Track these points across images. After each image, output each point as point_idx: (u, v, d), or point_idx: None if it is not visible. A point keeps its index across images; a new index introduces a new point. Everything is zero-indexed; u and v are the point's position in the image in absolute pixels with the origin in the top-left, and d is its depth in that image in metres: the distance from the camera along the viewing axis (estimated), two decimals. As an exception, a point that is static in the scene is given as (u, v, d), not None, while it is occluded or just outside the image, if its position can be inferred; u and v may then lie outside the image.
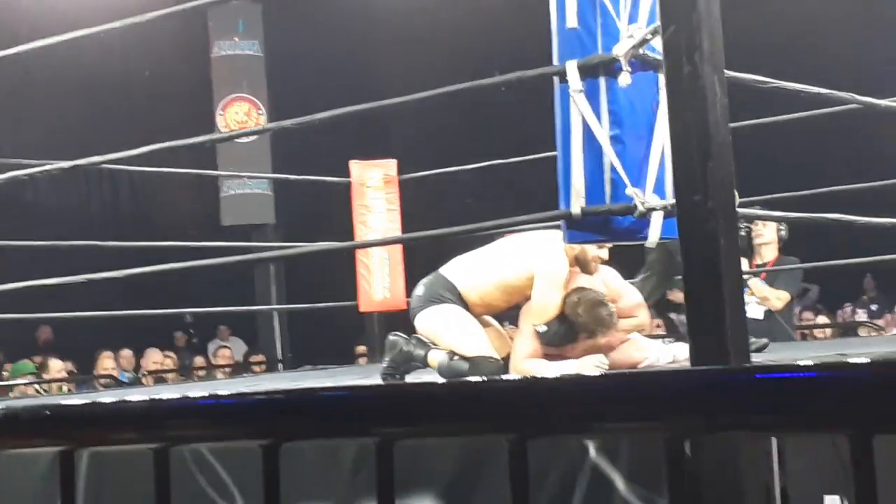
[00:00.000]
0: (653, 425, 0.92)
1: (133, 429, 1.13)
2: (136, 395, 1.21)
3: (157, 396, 1.16)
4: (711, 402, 0.88)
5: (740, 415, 0.88)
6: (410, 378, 4.61)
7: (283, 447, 1.04)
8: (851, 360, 0.84)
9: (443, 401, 0.96)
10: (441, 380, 4.16)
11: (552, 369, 4.20)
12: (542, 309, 4.25)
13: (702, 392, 0.89)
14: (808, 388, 0.83)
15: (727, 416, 0.88)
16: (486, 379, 0.97)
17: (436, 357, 4.44)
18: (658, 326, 9.57)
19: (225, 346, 11.95)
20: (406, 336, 4.62)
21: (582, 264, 4.32)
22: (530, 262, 4.33)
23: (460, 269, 4.52)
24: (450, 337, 4.42)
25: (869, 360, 0.83)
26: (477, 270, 4.47)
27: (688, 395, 0.89)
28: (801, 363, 0.85)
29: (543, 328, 4.25)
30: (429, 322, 4.48)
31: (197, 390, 1.13)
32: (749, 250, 6.56)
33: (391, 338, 4.65)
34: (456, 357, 4.37)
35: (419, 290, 4.58)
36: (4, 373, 9.91)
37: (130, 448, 1.19)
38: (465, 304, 4.48)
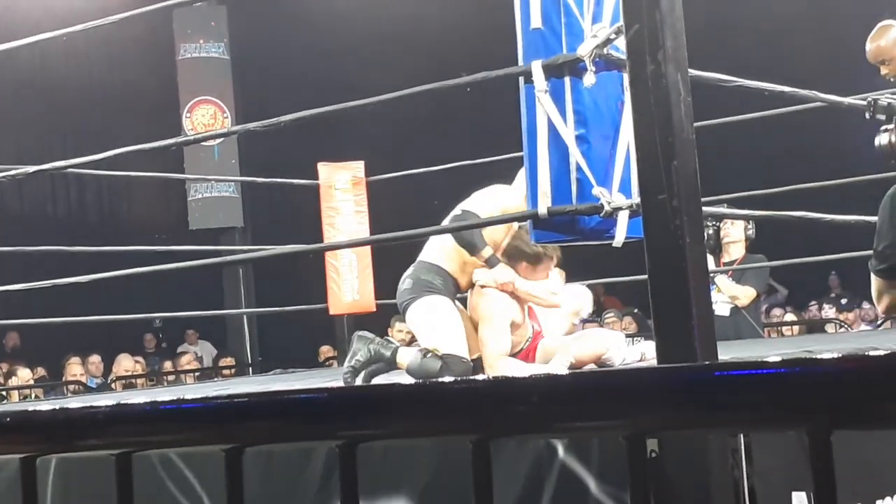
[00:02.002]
0: (615, 424, 0.92)
1: (95, 435, 1.13)
2: (99, 401, 1.20)
3: (119, 402, 1.16)
4: (673, 399, 0.88)
5: (701, 412, 0.88)
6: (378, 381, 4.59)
7: (255, 451, 1.04)
8: (812, 357, 0.85)
9: (405, 402, 0.96)
10: (408, 380, 4.18)
11: (526, 370, 4.22)
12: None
13: (663, 390, 0.89)
14: (767, 385, 0.84)
15: (688, 414, 0.89)
16: (448, 380, 0.98)
17: (405, 357, 4.42)
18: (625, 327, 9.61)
19: (185, 352, 11.90)
20: (373, 335, 4.60)
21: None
22: (477, 209, 4.41)
23: (434, 248, 4.53)
24: (431, 332, 4.40)
25: (828, 356, 0.84)
26: (446, 241, 4.48)
27: (649, 393, 0.89)
28: (761, 360, 0.85)
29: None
30: (417, 315, 4.45)
31: (165, 395, 1.12)
32: (717, 248, 6.60)
33: (359, 334, 4.61)
34: (429, 355, 4.35)
35: (406, 283, 4.53)
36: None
37: (96, 454, 1.18)
38: (453, 281, 4.47)
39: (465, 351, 4.34)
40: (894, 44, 4.69)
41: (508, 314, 4.31)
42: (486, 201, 4.45)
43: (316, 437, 1.05)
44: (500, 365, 4.25)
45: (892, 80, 4.74)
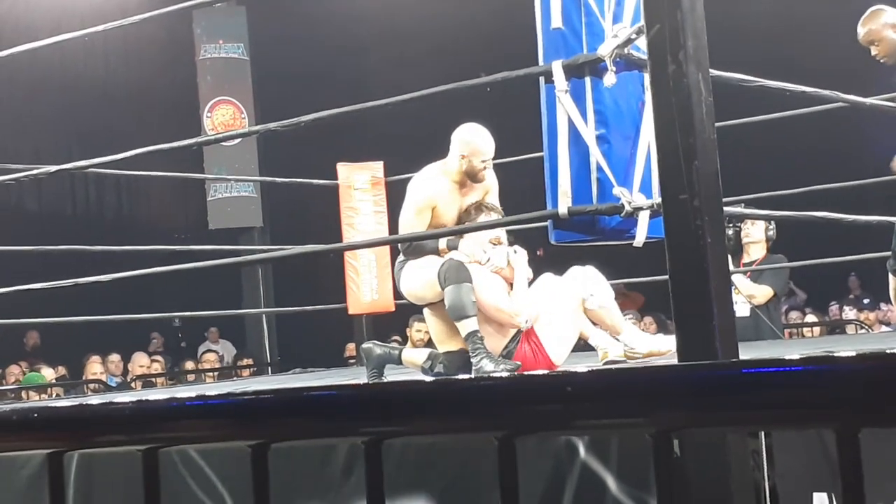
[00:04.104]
0: (640, 421, 0.92)
1: (122, 430, 1.13)
2: (124, 397, 1.21)
3: (145, 398, 1.16)
4: (698, 397, 0.88)
5: (727, 410, 0.88)
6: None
7: (275, 448, 1.04)
8: (837, 355, 0.85)
9: (431, 399, 0.96)
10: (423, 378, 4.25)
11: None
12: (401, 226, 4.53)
13: (688, 387, 0.89)
14: (794, 382, 0.84)
15: (714, 412, 0.89)
16: (473, 377, 0.98)
17: (410, 354, 4.58)
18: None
19: (212, 350, 11.93)
20: (380, 342, 4.79)
21: (470, 175, 4.47)
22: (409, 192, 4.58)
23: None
24: (422, 280, 4.47)
25: (854, 354, 0.83)
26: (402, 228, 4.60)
27: (674, 391, 0.89)
28: (788, 358, 0.85)
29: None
30: (408, 273, 4.54)
31: (185, 393, 1.13)
32: (738, 250, 6.59)
33: (365, 346, 4.79)
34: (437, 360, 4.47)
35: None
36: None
37: (119, 450, 1.19)
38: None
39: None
40: (883, 26, 4.91)
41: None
42: (408, 214, 4.53)
43: (341, 434, 1.05)
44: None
45: (882, 60, 4.89)
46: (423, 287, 4.44)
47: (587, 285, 4.35)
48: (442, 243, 4.43)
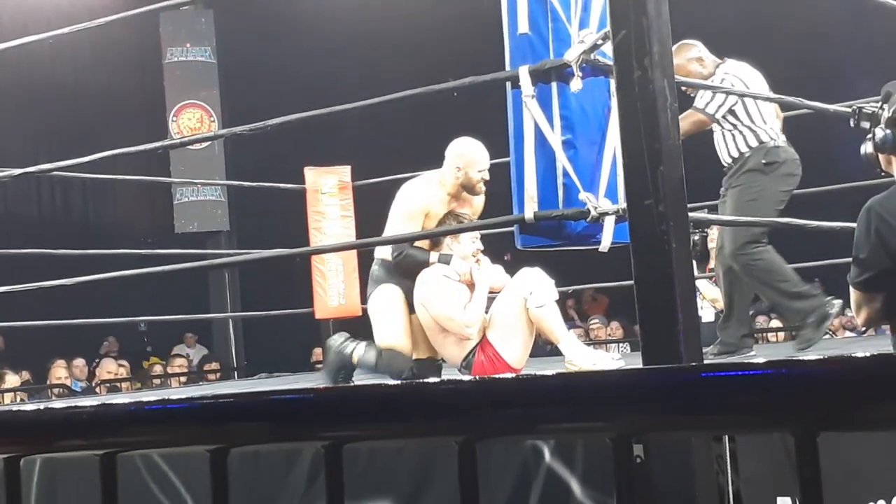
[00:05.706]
0: (601, 425, 0.92)
1: (80, 435, 1.12)
2: (84, 401, 1.20)
3: (104, 402, 1.15)
4: (659, 400, 0.88)
5: (688, 413, 0.88)
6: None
7: (242, 453, 1.03)
8: (798, 359, 0.85)
9: (391, 403, 0.96)
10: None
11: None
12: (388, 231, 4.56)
13: (650, 391, 0.89)
14: (753, 386, 0.84)
15: (675, 415, 0.89)
16: (434, 380, 0.97)
17: (357, 352, 4.59)
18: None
19: (180, 355, 11.86)
20: (332, 342, 4.81)
21: (467, 187, 4.53)
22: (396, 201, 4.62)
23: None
24: (374, 323, 4.58)
25: (814, 358, 0.84)
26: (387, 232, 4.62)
27: (635, 394, 0.89)
28: (747, 362, 0.85)
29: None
30: (370, 306, 4.67)
31: (149, 396, 1.12)
32: (704, 255, 6.61)
33: (328, 343, 4.82)
34: (370, 348, 4.52)
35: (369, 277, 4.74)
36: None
37: (80, 454, 1.17)
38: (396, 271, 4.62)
39: (403, 342, 4.45)
40: (688, 61, 4.94)
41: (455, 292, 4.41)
42: (398, 217, 4.57)
43: (302, 438, 1.04)
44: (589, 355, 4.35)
45: (691, 94, 4.92)
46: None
47: (528, 284, 4.31)
48: (433, 257, 4.44)
